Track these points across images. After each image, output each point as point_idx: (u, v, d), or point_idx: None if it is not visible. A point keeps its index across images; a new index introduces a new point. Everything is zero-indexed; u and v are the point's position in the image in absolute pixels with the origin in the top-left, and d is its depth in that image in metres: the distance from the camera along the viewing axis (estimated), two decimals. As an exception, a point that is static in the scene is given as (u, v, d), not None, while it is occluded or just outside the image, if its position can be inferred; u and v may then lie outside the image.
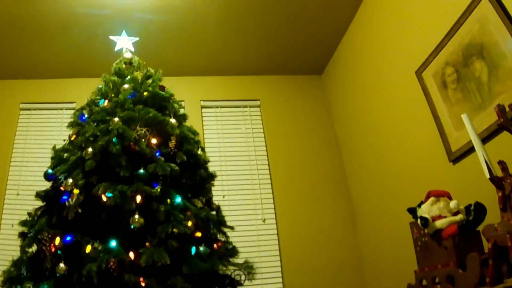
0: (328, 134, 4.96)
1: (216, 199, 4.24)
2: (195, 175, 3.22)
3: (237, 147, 4.77)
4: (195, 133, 3.51)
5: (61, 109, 4.85)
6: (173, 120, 3.38)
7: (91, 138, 3.13)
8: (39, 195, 3.07)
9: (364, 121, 4.32)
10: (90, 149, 3.02)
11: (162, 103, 3.51)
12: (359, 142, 4.45)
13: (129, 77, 3.62)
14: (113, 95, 3.50)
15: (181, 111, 3.61)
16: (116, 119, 3.17)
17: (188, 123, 4.70)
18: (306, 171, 4.71)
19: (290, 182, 4.67)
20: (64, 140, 3.34)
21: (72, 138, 3.40)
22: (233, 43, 4.62)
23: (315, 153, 4.83)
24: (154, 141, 3.24)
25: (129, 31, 4.22)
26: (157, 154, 3.17)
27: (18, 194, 4.35)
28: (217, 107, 4.96)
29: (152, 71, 3.73)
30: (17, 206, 4.26)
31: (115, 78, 3.59)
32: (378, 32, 4.00)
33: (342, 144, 4.86)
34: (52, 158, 3.29)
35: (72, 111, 4.65)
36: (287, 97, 5.09)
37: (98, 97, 3.58)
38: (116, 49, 3.97)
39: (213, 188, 4.46)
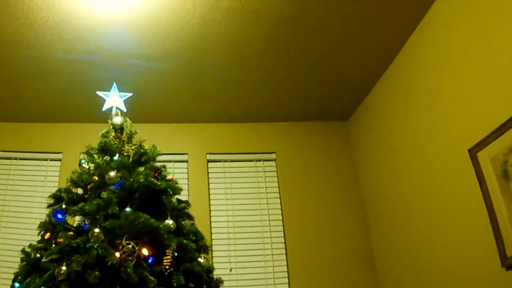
0: (352, 197, 4.38)
1: (221, 272, 3.66)
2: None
3: (248, 209, 4.22)
4: (197, 234, 2.87)
5: (46, 159, 4.25)
6: (170, 223, 2.73)
7: (66, 248, 2.53)
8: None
9: (396, 188, 3.81)
10: (63, 268, 2.44)
11: (157, 196, 2.84)
12: (390, 213, 3.91)
13: (117, 157, 2.96)
14: (94, 181, 2.85)
15: (181, 191, 2.99)
16: (97, 230, 2.55)
17: (191, 179, 4.12)
18: (326, 240, 4.16)
19: (307, 253, 4.10)
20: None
21: (46, 237, 2.81)
22: (246, 86, 4.03)
23: (337, 219, 4.26)
24: (145, 252, 2.61)
25: (119, 78, 3.57)
26: (149, 271, 2.55)
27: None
28: (225, 161, 4.40)
29: (146, 147, 3.08)
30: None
31: (99, 159, 2.93)
32: (423, 85, 3.43)
33: (369, 210, 4.28)
34: (22, 261, 2.71)
35: (59, 163, 4.06)
36: (307, 148, 4.51)
37: (79, 181, 2.93)
38: (104, 109, 3.32)
39: (218, 258, 3.90)
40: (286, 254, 4.08)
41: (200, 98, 4.11)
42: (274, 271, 4.00)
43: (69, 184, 3.02)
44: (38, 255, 2.67)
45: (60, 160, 4.21)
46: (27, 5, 3.03)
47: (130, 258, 2.56)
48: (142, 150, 3.07)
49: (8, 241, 3.92)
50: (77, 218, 2.84)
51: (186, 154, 4.22)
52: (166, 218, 2.79)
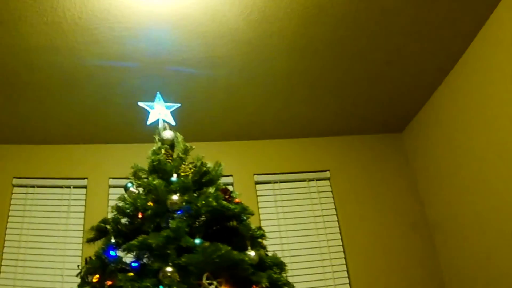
0: (416, 215, 3.92)
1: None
2: None
3: (303, 235, 3.77)
4: (281, 266, 2.39)
5: (68, 186, 3.73)
6: (252, 254, 2.26)
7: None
8: None
9: (464, 204, 3.42)
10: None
11: (226, 223, 2.37)
12: (460, 232, 3.50)
13: (175, 177, 2.46)
14: (150, 207, 2.35)
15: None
16: (170, 269, 2.06)
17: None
18: (391, 265, 3.72)
19: (372, 279, 3.64)
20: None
21: (94, 279, 2.32)
22: (297, 96, 3.60)
23: (402, 240, 3.80)
24: (227, 293, 2.12)
25: (158, 88, 3.09)
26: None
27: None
28: (275, 182, 3.94)
29: (209, 165, 2.58)
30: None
31: (155, 181, 2.42)
32: (488, 92, 3.14)
33: (435, 230, 3.85)
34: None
35: (84, 190, 3.56)
36: (362, 164, 4.08)
37: (130, 209, 2.43)
38: (149, 122, 2.84)
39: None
40: (349, 282, 3.63)
41: (248, 111, 3.66)
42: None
43: (115, 213, 2.51)
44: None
45: (85, 187, 3.73)
46: (56, 0, 2.55)
47: (214, 303, 2.05)
48: (204, 169, 2.58)
49: (27, 283, 3.37)
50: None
51: (231, 176, 3.74)
52: (245, 249, 2.28)
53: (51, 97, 3.30)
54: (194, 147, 2.72)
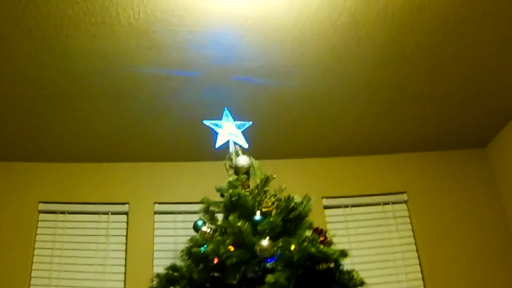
0: (507, 241, 3.55)
1: None
2: None
3: (377, 267, 3.41)
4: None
5: (106, 213, 3.38)
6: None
7: None
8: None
9: None
10: None
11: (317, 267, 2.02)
12: None
13: (258, 214, 2.15)
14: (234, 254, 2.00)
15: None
16: None
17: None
18: None
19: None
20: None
21: None
22: (375, 112, 3.29)
23: (488, 268, 3.43)
24: None
25: (223, 101, 2.75)
26: None
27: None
28: (346, 206, 3.58)
29: (298, 199, 2.24)
30: None
31: (238, 221, 2.07)
32: None
33: None
34: None
35: (124, 217, 3.24)
36: (442, 183, 3.70)
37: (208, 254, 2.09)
38: (218, 145, 2.50)
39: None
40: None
41: (317, 125, 3.31)
42: None
43: (186, 259, 2.18)
44: None
45: (126, 213, 3.39)
46: (109, -2, 2.21)
47: None
48: (292, 204, 2.22)
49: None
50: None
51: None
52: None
53: (92, 109, 2.96)
54: (275, 176, 2.36)
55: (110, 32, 2.42)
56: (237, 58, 2.65)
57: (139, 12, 2.32)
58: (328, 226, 3.39)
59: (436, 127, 3.52)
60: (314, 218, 3.34)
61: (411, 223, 3.56)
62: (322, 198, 3.51)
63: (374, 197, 3.60)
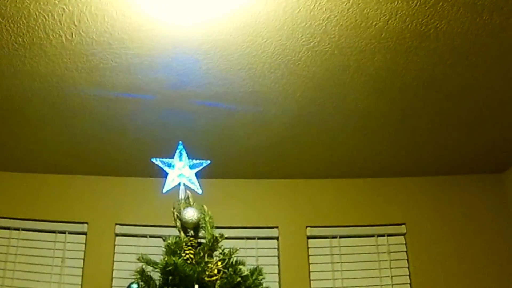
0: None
1: None
2: None
3: None
4: None
5: (63, 232, 3.16)
6: None
7: None
8: None
9: None
10: None
11: None
12: None
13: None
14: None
15: None
16: None
17: (284, 261, 3.02)
18: None
19: None
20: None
21: None
22: (375, 132, 2.95)
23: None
24: None
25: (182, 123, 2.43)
26: None
27: None
28: (333, 236, 3.25)
29: (244, 270, 2.00)
30: None
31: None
32: None
33: None
34: None
35: (83, 238, 3.02)
36: (449, 214, 3.34)
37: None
38: (165, 190, 2.22)
39: None
40: None
41: (294, 148, 3.02)
42: None
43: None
44: None
45: (85, 233, 3.16)
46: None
47: None
48: (238, 279, 1.90)
49: None
50: None
51: (276, 228, 3.15)
52: None
53: (45, 124, 2.72)
54: (225, 235, 2.04)
55: (41, 53, 2.13)
56: (197, 84, 2.37)
57: (72, 34, 1.98)
58: (311, 259, 3.08)
59: (443, 152, 3.17)
60: (295, 249, 3.09)
61: (407, 259, 3.23)
62: (307, 227, 3.21)
63: (366, 228, 3.27)
